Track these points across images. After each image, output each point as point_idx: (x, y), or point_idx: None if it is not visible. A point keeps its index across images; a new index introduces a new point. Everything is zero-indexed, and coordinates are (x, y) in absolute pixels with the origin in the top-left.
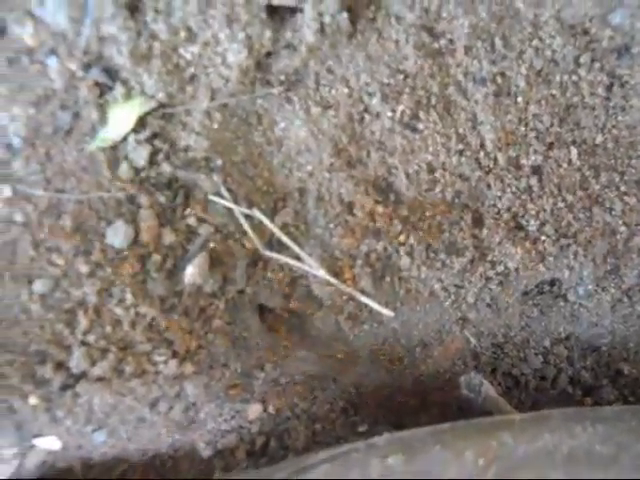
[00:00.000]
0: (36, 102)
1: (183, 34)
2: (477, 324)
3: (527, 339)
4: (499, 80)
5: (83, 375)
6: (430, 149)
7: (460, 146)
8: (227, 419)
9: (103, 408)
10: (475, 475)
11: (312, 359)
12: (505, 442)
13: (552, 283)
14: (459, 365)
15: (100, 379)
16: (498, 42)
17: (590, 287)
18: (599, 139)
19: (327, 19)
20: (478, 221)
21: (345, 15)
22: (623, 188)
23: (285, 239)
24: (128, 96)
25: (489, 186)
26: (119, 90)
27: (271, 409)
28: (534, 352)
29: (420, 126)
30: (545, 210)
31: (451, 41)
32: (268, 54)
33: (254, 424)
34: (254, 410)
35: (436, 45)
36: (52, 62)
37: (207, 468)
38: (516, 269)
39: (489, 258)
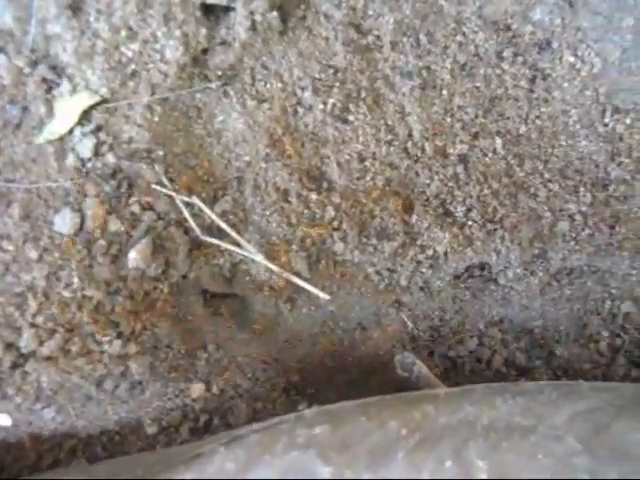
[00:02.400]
0: None
1: (124, 33)
2: (412, 307)
3: (462, 322)
4: (425, 74)
5: (32, 354)
6: (360, 139)
7: (389, 136)
8: (171, 397)
9: (51, 386)
10: (397, 443)
11: (254, 341)
12: (428, 413)
13: (482, 267)
14: (398, 347)
15: (48, 358)
16: (423, 38)
17: (518, 271)
18: (523, 129)
19: (258, 17)
20: (408, 207)
21: (275, 14)
22: (547, 175)
23: (224, 226)
24: (73, 91)
25: (417, 174)
26: (65, 86)
27: (214, 389)
28: (469, 335)
29: (350, 118)
30: (472, 197)
31: (378, 37)
32: (204, 50)
33: (197, 402)
34: (197, 389)
35: (364, 41)
36: (1, 59)
37: (152, 444)
38: (445, 253)
39: (419, 242)
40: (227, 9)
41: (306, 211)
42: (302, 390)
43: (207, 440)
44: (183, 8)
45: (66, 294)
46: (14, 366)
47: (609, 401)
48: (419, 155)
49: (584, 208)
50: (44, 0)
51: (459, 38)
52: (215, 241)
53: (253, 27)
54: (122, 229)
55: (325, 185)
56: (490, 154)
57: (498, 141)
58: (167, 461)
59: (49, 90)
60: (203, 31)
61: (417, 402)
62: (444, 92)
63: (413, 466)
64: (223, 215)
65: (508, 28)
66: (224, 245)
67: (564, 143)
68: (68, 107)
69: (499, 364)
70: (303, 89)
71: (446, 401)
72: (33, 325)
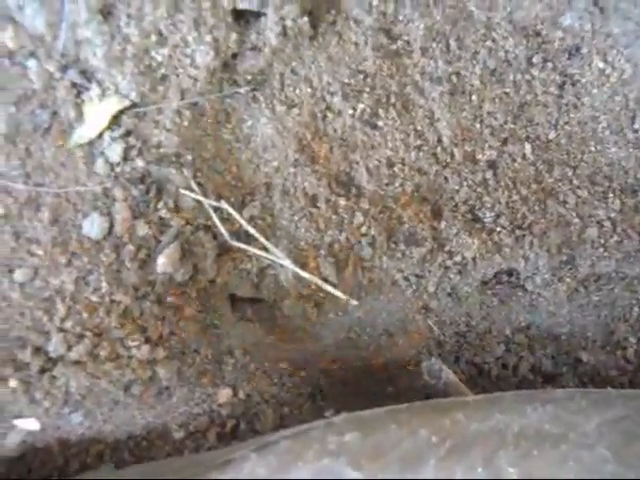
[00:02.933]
0: (16, 101)
1: (154, 37)
2: (439, 313)
3: (489, 328)
4: (454, 79)
5: (60, 359)
6: (390, 145)
7: (418, 142)
8: (198, 403)
9: (79, 390)
10: (428, 451)
11: (280, 346)
12: (458, 420)
13: (510, 273)
14: (424, 353)
15: (76, 363)
16: (453, 43)
17: (546, 277)
18: (552, 135)
19: (289, 23)
20: (436, 213)
21: (306, 19)
22: (576, 182)
23: (252, 231)
24: (103, 96)
25: (446, 180)
26: (95, 90)
27: (241, 394)
28: (496, 341)
29: (380, 123)
30: (500, 203)
31: (408, 42)
32: (234, 55)
33: (224, 408)
34: (224, 394)
35: (394, 46)
36: (31, 64)
37: (179, 449)
38: (473, 259)
39: (447, 248)
40: (258, 14)
41: (334, 216)
42: (328, 396)
43: (237, 446)
44: (214, 13)
45: (94, 299)
46: (42, 370)
47: (638, 409)
48: (448, 161)
49: (613, 214)
50: (75, 4)
51: (489, 44)
52: (243, 246)
53: (284, 32)
54: (150, 234)
55: (354, 190)
56: (519, 160)
57: (527, 147)
58: (196, 466)
59: (79, 94)
60: (233, 36)
61: (447, 409)
62: (474, 98)
63: (444, 474)
64: (251, 220)
65: (538, 34)
66: (252, 250)
67: (593, 149)
68: (98, 111)
69: (525, 370)
70: (332, 94)
71: (476, 408)
72: (61, 329)
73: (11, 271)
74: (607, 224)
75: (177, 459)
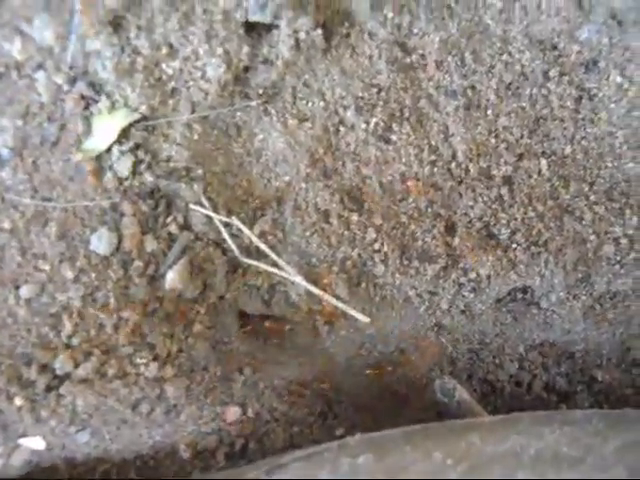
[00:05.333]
0: (24, 114)
1: (164, 50)
2: (452, 330)
3: (502, 345)
4: (469, 93)
5: (67, 377)
6: (403, 160)
7: (432, 157)
8: (207, 421)
9: (86, 409)
10: (442, 474)
11: (290, 364)
12: (473, 443)
13: (524, 290)
14: (436, 371)
15: (83, 381)
16: (468, 57)
17: (562, 294)
18: (568, 150)
19: (302, 35)
20: (450, 229)
21: (319, 31)
22: (592, 198)
23: (263, 247)
24: (112, 109)
25: (461, 196)
26: (103, 103)
27: (250, 412)
28: (509, 358)
29: (393, 137)
30: (516, 219)
31: (422, 56)
32: (246, 69)
33: (233, 427)
34: (233, 413)
35: (408, 60)
36: (40, 76)
37: (187, 469)
38: (488, 276)
39: (461, 265)
40: (270, 27)
41: (347, 232)
42: (339, 414)
43: (248, 467)
44: (225, 25)
45: (102, 315)
46: (49, 388)
47: None
48: (463, 176)
49: (630, 231)
50: (85, 16)
51: (505, 57)
52: (254, 262)
53: (296, 45)
54: (159, 249)
55: (366, 206)
56: (535, 176)
57: (543, 162)
58: None
59: (87, 107)
60: (245, 49)
61: (462, 431)
62: (489, 112)
63: None
64: (262, 235)
65: (555, 47)
66: (263, 266)
67: (610, 165)
68: (106, 125)
69: (539, 389)
70: (345, 108)
71: (491, 430)
72: (68, 346)
73: (17, 287)
74: (624, 241)
75: (186, 479)
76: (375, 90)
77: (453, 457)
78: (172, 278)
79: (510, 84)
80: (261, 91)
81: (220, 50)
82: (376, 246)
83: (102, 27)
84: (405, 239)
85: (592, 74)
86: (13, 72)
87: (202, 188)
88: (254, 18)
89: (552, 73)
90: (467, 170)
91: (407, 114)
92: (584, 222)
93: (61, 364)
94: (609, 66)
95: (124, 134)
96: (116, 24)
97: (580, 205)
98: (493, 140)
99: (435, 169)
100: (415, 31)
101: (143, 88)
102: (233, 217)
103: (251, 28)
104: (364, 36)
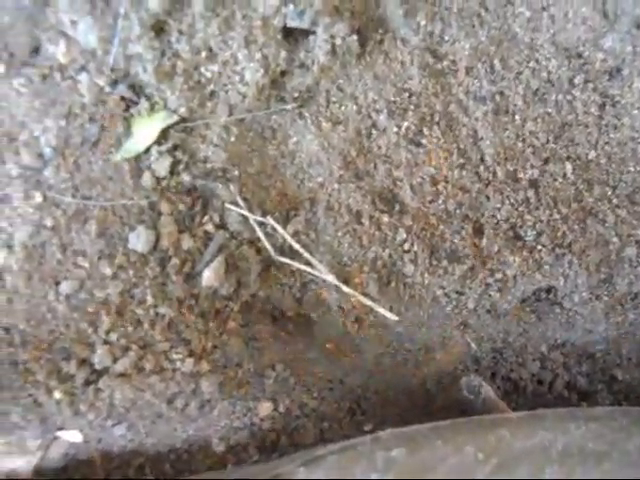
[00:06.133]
0: (67, 115)
1: (204, 54)
2: (477, 329)
3: (525, 345)
4: (498, 99)
5: (105, 371)
6: (433, 163)
7: (461, 160)
8: (239, 416)
9: (123, 403)
10: (474, 468)
11: (321, 361)
12: (503, 437)
13: (548, 291)
14: (460, 369)
15: (121, 375)
16: (497, 63)
17: (584, 295)
18: (592, 155)
19: (338, 41)
20: (478, 231)
21: (355, 37)
22: (615, 201)
23: (296, 246)
24: (152, 110)
25: (488, 198)
26: (143, 105)
27: (281, 407)
28: (532, 357)
29: (424, 141)
30: (541, 221)
31: (453, 62)
32: (283, 73)
33: (265, 421)
34: (265, 408)
35: (439, 66)
36: (82, 78)
37: (220, 463)
38: (514, 277)
39: (488, 266)
40: (307, 32)
41: (377, 233)
42: (367, 411)
43: (282, 460)
44: (264, 31)
45: (139, 311)
46: (87, 383)
47: None
48: (490, 179)
49: None
50: (128, 21)
51: (532, 64)
52: (287, 261)
53: (332, 50)
54: (195, 247)
55: (397, 207)
56: (560, 179)
57: (568, 166)
58: None
59: (127, 109)
60: (283, 54)
61: (491, 426)
62: (516, 117)
63: None
64: (295, 235)
65: (580, 55)
66: (296, 265)
67: (632, 169)
68: (146, 126)
69: (561, 387)
70: (378, 112)
71: (519, 426)
72: (107, 342)
73: (57, 283)
74: None
75: (219, 473)
76: (407, 95)
77: (484, 451)
78: (208, 276)
79: (537, 90)
80: (296, 95)
81: (258, 55)
82: (406, 246)
83: (144, 31)
84: (434, 240)
85: (616, 81)
86: (57, 74)
87: (238, 188)
88: (292, 24)
89: (577, 80)
90: (495, 173)
91: (437, 118)
92: (607, 225)
93: (99, 359)
94: (632, 74)
95: (163, 135)
96: (158, 28)
97: (603, 208)
98: (520, 144)
99: (464, 172)
100: (446, 38)
101: (182, 91)
102: (268, 217)
103: (289, 33)
104: (397, 42)
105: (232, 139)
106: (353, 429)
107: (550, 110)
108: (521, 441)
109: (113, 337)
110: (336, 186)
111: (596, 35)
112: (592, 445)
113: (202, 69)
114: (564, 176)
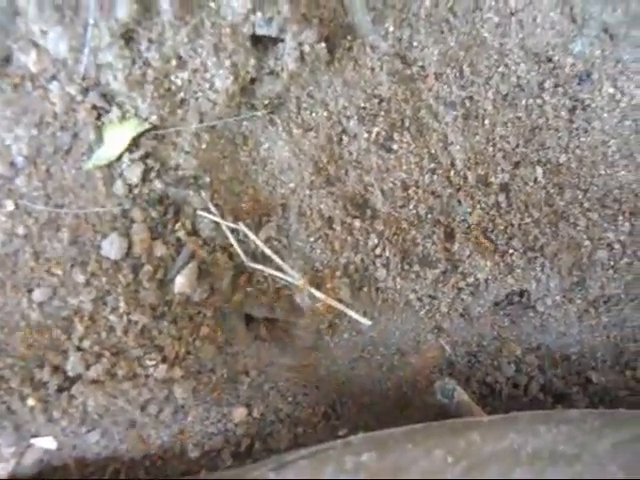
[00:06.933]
0: (38, 124)
1: (174, 62)
2: (451, 333)
3: (500, 348)
4: (468, 104)
5: (78, 378)
6: (404, 168)
7: (432, 165)
8: (214, 422)
9: (97, 409)
10: (444, 471)
11: (295, 366)
12: (473, 441)
13: (521, 294)
14: (435, 373)
15: (94, 382)
16: (466, 69)
17: (557, 298)
18: (563, 159)
19: (307, 48)
20: (450, 235)
21: (323, 45)
22: (586, 205)
23: (269, 252)
24: (123, 118)
25: (460, 202)
26: (115, 113)
27: (256, 413)
28: (507, 361)
29: (394, 146)
30: (513, 225)
31: (422, 68)
32: (252, 80)
33: (239, 427)
34: (239, 413)
35: (408, 72)
36: (53, 87)
37: (194, 468)
38: (486, 280)
39: (460, 270)
40: (276, 40)
41: (349, 238)
42: (342, 415)
43: (254, 465)
44: (233, 39)
45: (112, 318)
46: (60, 389)
47: None
48: (461, 184)
49: (623, 237)
50: (98, 30)
51: (502, 69)
52: (259, 267)
53: (301, 57)
54: (168, 254)
55: (369, 213)
56: (531, 183)
57: (539, 170)
58: None
59: (99, 117)
60: (252, 61)
61: (462, 430)
62: (486, 122)
63: None
64: (267, 241)
65: (549, 60)
66: (268, 271)
67: (603, 172)
68: (117, 134)
69: (536, 390)
70: (348, 118)
71: (490, 429)
72: (80, 349)
73: (30, 290)
74: (617, 246)
75: (193, 478)
76: (377, 101)
77: (453, 455)
78: (180, 282)
79: (506, 95)
80: (267, 102)
81: (228, 62)
82: (378, 251)
83: (114, 40)
84: (406, 244)
85: (585, 85)
86: (28, 83)
87: (210, 195)
88: (261, 32)
89: (547, 84)
90: (465, 178)
91: (408, 124)
92: (579, 228)
93: (73, 366)
94: (602, 78)
95: (134, 143)
96: (128, 37)
97: (575, 212)
98: (490, 149)
99: (435, 177)
100: (415, 44)
101: (153, 99)
102: (240, 223)
103: (258, 41)
104: (366, 49)
105: (203, 146)
106: (328, 434)
107: (520, 114)
108: (491, 444)
109: (86, 344)
110: (308, 192)
111: (565, 40)
112: (563, 447)
113: (172, 77)
114: (535, 180)
